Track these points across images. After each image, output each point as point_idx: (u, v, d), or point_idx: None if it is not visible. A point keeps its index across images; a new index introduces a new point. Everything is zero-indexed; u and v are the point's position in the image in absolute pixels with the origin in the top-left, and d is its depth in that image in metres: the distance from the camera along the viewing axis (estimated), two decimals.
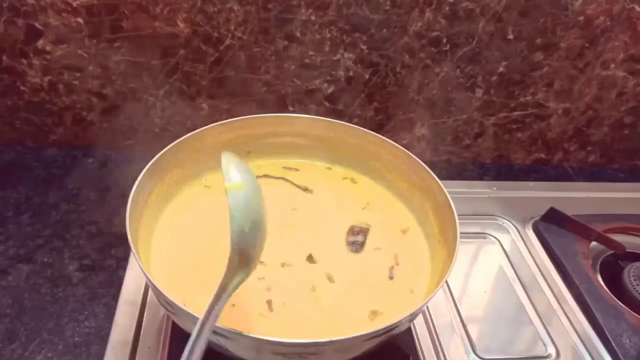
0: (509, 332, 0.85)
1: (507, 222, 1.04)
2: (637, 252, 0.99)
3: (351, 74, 1.08)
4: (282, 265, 0.73)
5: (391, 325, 0.60)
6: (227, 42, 1.01)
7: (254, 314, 0.67)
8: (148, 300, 0.81)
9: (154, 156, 0.74)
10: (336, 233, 0.79)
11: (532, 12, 1.02)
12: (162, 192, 0.78)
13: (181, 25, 0.99)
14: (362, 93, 1.11)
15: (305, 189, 0.86)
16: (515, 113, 1.17)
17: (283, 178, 0.87)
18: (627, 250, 0.97)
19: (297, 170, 0.89)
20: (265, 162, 0.89)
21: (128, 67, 1.03)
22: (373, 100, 1.12)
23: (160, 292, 0.58)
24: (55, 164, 1.09)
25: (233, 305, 0.67)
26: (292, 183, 0.86)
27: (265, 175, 0.87)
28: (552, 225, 1.01)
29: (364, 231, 0.80)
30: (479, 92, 1.12)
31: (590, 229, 0.98)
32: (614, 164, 1.29)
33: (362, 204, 0.85)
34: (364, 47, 1.04)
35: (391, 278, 0.74)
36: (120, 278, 0.84)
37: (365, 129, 0.85)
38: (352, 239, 0.78)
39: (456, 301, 0.87)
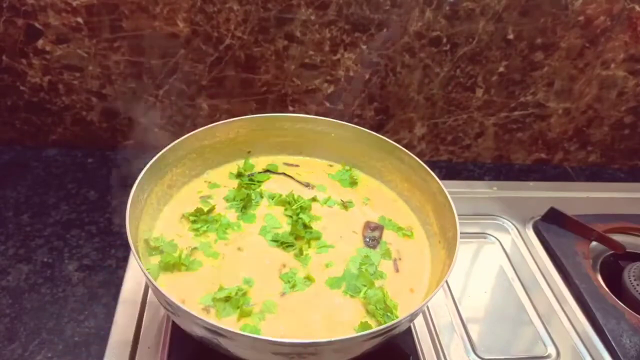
0: (509, 332, 0.84)
1: (508, 222, 1.04)
2: (637, 252, 0.99)
3: (351, 73, 1.07)
4: (295, 256, 0.74)
5: (391, 325, 0.60)
6: (227, 41, 1.01)
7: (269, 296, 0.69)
8: (148, 300, 0.81)
9: (154, 156, 0.74)
10: (345, 228, 0.80)
11: (532, 12, 1.02)
12: (162, 191, 0.78)
13: (181, 25, 0.98)
14: (362, 93, 1.10)
15: (307, 185, 0.86)
16: (516, 113, 1.17)
17: (284, 174, 0.87)
18: (627, 250, 0.97)
19: (297, 166, 0.89)
20: (265, 159, 0.89)
21: (128, 67, 1.03)
22: (373, 100, 1.12)
23: (160, 292, 0.58)
24: (55, 164, 1.09)
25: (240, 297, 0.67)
26: (293, 179, 0.86)
27: (267, 171, 0.87)
28: (553, 225, 1.01)
29: (379, 227, 0.80)
30: (479, 92, 1.12)
31: (591, 229, 0.98)
32: (614, 164, 1.29)
33: (365, 201, 0.85)
34: (364, 47, 1.04)
35: (397, 271, 0.75)
36: (120, 278, 0.84)
37: (365, 129, 0.85)
38: (369, 234, 0.79)
39: (456, 301, 0.87)
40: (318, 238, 0.77)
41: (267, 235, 0.77)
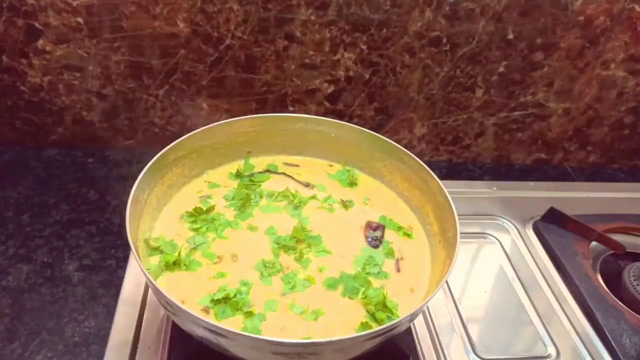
0: (509, 332, 0.85)
1: (507, 222, 1.04)
2: (637, 252, 0.99)
3: (351, 73, 1.08)
4: (296, 259, 0.74)
5: (391, 325, 0.60)
6: (227, 42, 1.01)
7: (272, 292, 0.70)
8: (148, 300, 0.81)
9: (154, 156, 0.74)
10: (347, 228, 0.80)
11: (532, 12, 1.02)
12: (162, 191, 0.78)
13: (181, 25, 0.99)
14: (362, 93, 1.11)
15: (307, 185, 0.86)
16: (516, 113, 1.17)
17: (284, 174, 0.87)
18: (627, 250, 0.97)
19: (297, 166, 0.89)
20: (265, 159, 0.89)
21: (128, 67, 1.03)
22: (373, 100, 1.12)
23: (160, 292, 0.58)
24: (55, 164, 1.09)
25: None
26: (293, 179, 0.87)
27: (267, 171, 0.87)
28: (552, 225, 1.01)
29: (381, 227, 0.80)
30: (479, 92, 1.12)
31: (590, 229, 0.98)
32: (614, 164, 1.29)
33: (365, 201, 0.85)
34: (364, 47, 1.04)
35: (398, 271, 0.75)
36: (120, 278, 0.84)
37: (365, 129, 0.85)
38: (371, 234, 0.79)
39: (456, 301, 0.87)
40: (319, 242, 0.76)
41: (270, 237, 0.77)
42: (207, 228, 0.76)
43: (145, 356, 0.74)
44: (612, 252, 0.98)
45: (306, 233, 0.77)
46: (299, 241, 0.76)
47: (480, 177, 1.21)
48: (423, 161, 0.80)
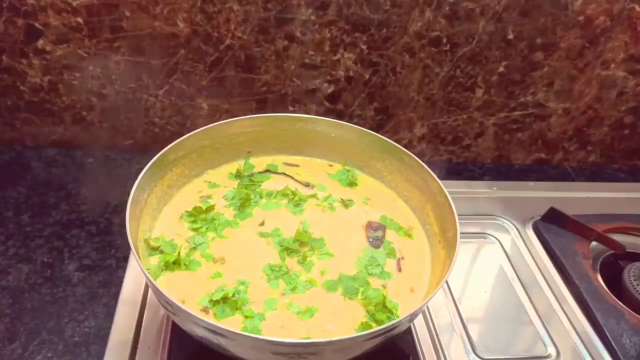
0: (509, 332, 0.85)
1: (507, 222, 1.04)
2: (637, 252, 0.99)
3: (351, 73, 1.08)
4: (299, 262, 0.74)
5: (391, 325, 0.60)
6: (227, 42, 1.01)
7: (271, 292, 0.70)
8: (148, 300, 0.81)
9: (154, 156, 0.74)
10: (349, 228, 0.80)
11: (532, 12, 1.02)
12: (162, 191, 0.78)
13: (181, 25, 0.99)
14: (362, 93, 1.11)
15: (307, 185, 0.86)
16: (516, 113, 1.17)
17: (284, 174, 0.87)
18: (627, 250, 0.97)
19: (297, 166, 0.89)
20: (265, 159, 0.89)
21: (128, 67, 1.03)
22: (373, 100, 1.12)
23: (160, 292, 0.58)
24: (55, 164, 1.09)
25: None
26: (293, 179, 0.87)
27: (267, 171, 0.87)
28: (552, 225, 1.01)
29: (382, 227, 0.80)
30: (479, 92, 1.12)
31: (590, 229, 0.98)
32: (614, 164, 1.29)
33: (365, 200, 0.85)
34: (364, 47, 1.04)
35: (399, 270, 0.75)
36: (120, 278, 0.84)
37: (365, 129, 0.85)
38: (372, 234, 0.79)
39: (456, 301, 0.87)
40: (322, 245, 0.76)
41: (273, 239, 0.77)
42: (207, 228, 0.76)
43: (145, 356, 0.74)
44: (612, 252, 0.98)
45: (309, 236, 0.76)
46: (302, 244, 0.76)
47: (480, 177, 1.21)
48: (423, 161, 0.80)
